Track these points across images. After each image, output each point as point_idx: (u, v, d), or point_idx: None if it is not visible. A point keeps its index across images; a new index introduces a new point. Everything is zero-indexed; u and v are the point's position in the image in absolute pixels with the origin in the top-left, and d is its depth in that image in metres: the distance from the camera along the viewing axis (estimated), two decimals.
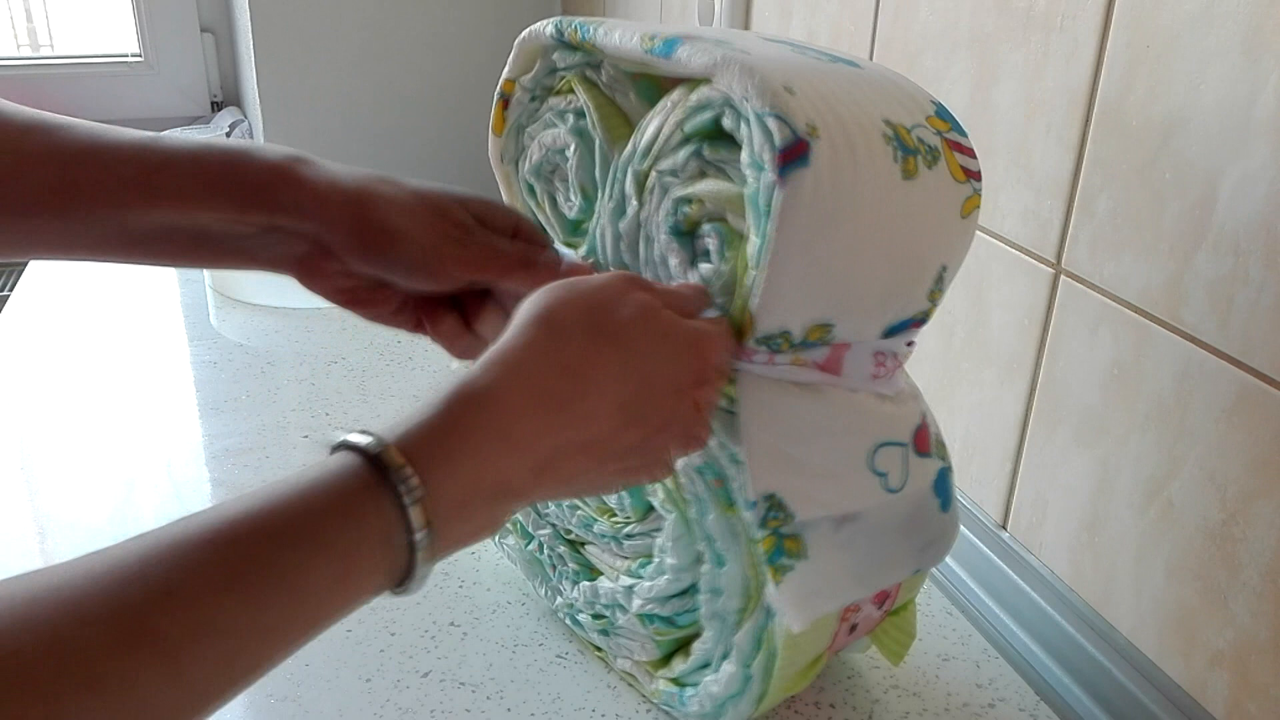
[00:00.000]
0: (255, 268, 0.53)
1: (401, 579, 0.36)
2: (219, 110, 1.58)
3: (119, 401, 0.93)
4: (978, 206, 0.51)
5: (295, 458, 0.85)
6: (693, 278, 0.50)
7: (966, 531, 0.72)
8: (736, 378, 0.49)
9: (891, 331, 0.51)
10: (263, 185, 0.49)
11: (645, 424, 0.43)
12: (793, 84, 0.46)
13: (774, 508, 0.49)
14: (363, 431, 0.36)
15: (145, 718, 0.29)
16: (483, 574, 0.71)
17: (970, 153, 0.51)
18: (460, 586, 0.70)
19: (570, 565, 0.64)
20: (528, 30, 0.58)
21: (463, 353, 0.56)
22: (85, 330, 1.06)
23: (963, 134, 0.51)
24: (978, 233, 0.69)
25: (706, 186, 0.49)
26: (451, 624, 0.67)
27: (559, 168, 0.59)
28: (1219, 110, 0.51)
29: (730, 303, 0.49)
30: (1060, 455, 0.64)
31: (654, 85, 0.54)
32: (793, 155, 0.44)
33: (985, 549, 0.70)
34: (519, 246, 0.53)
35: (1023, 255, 0.66)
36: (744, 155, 0.46)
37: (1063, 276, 0.63)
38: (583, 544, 0.64)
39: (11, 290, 1.18)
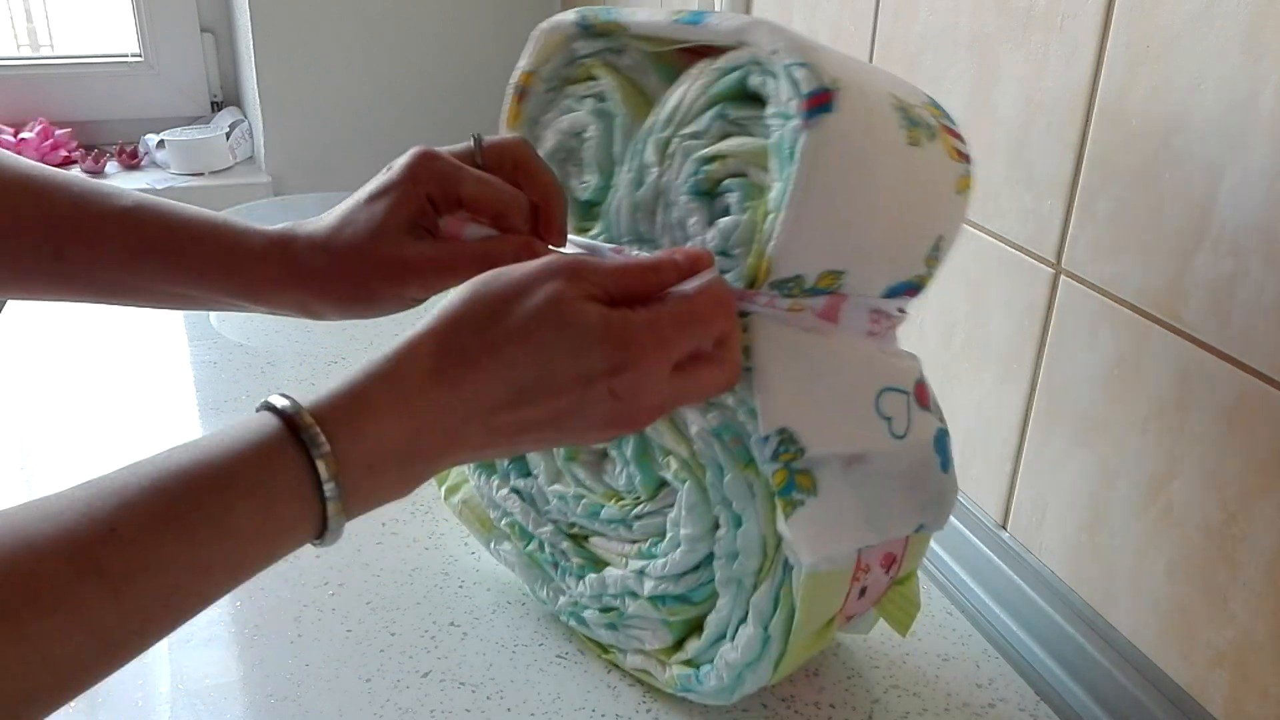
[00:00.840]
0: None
1: (320, 531, 0.40)
2: (219, 110, 1.58)
3: (119, 402, 0.93)
4: (969, 187, 0.54)
5: None
6: (710, 235, 0.52)
7: (967, 531, 0.72)
8: (748, 323, 0.51)
9: (891, 292, 0.53)
10: (192, 240, 0.54)
11: (546, 406, 0.44)
12: (817, 47, 0.49)
13: (785, 441, 0.50)
14: (283, 395, 0.41)
15: (95, 639, 0.33)
16: (483, 574, 0.71)
17: (960, 138, 0.54)
18: (460, 586, 0.70)
19: (574, 560, 0.63)
20: (548, 22, 0.60)
21: None
22: (85, 330, 1.06)
23: (953, 123, 0.54)
24: (977, 232, 0.69)
25: (730, 144, 0.51)
26: (451, 624, 0.67)
27: (574, 152, 0.61)
28: (1219, 110, 0.51)
29: (746, 253, 0.51)
30: (1060, 455, 0.64)
31: (673, 68, 0.57)
32: (818, 102, 0.47)
33: (985, 549, 0.70)
34: (441, 250, 0.54)
35: (1022, 255, 0.66)
36: (769, 108, 0.49)
37: (1063, 276, 0.63)
38: (586, 537, 0.64)
39: None
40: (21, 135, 1.43)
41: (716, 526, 0.56)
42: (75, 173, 0.55)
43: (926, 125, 0.52)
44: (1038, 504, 0.67)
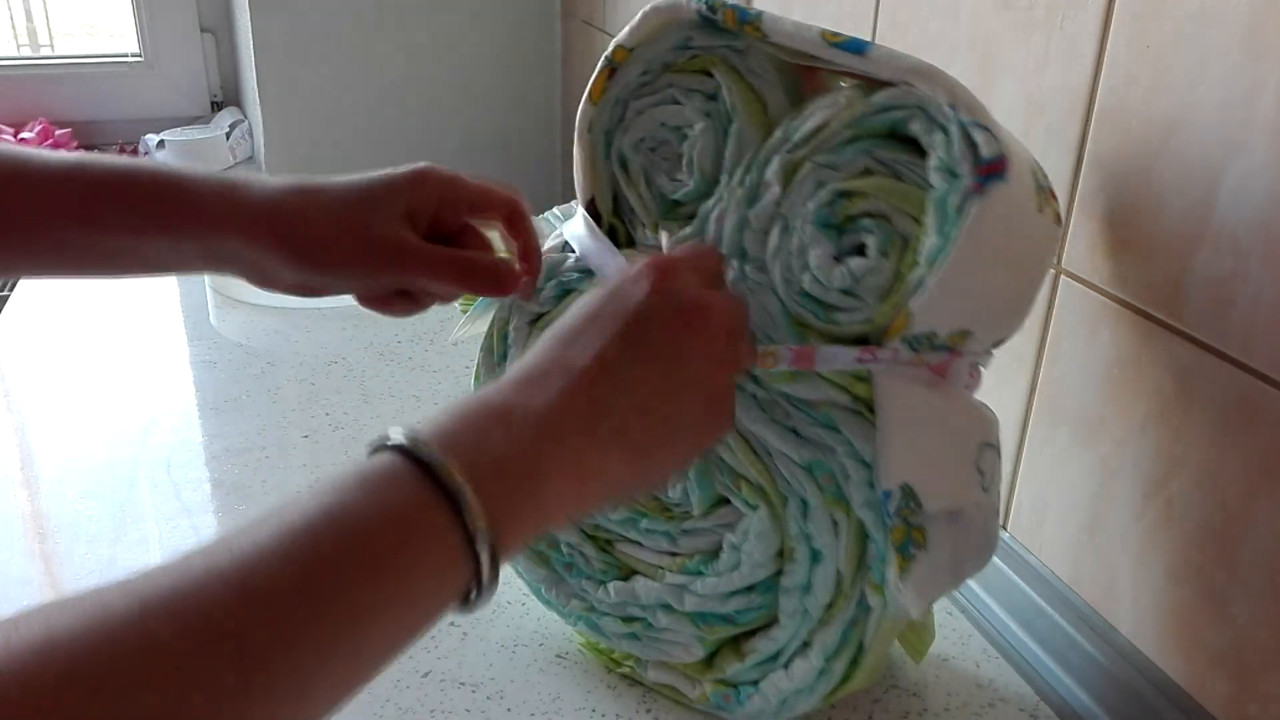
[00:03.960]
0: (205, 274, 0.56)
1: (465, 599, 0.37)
2: (219, 110, 1.58)
3: (119, 401, 0.93)
4: (1056, 250, 0.57)
5: (295, 458, 0.85)
6: (838, 272, 0.51)
7: None
8: (870, 375, 0.51)
9: (993, 347, 0.54)
10: (192, 210, 0.51)
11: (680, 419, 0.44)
12: (986, 109, 0.48)
13: (907, 497, 0.50)
14: (430, 455, 0.35)
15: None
16: None
17: (1057, 201, 0.54)
18: None
19: (596, 565, 0.62)
20: (665, 1, 0.55)
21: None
22: (85, 330, 1.06)
23: (1051, 185, 0.54)
24: None
25: (874, 182, 0.50)
26: (451, 624, 0.67)
27: (667, 144, 0.58)
28: (1219, 110, 0.51)
29: (877, 300, 0.50)
30: (1060, 455, 0.64)
31: (795, 82, 0.56)
32: (995, 169, 0.46)
33: None
34: (448, 255, 0.55)
35: None
36: (933, 160, 0.48)
37: (1063, 276, 0.63)
38: (610, 541, 0.62)
39: (11, 290, 1.18)
40: (21, 135, 1.43)
41: (780, 554, 0.55)
42: (14, 145, 0.53)
43: (1044, 188, 0.52)
44: (1038, 504, 0.67)
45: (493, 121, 1.47)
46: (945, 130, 0.48)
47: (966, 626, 0.69)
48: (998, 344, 0.54)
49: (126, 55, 1.52)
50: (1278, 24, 0.48)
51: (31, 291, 1.13)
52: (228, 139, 1.46)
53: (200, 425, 0.90)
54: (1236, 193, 0.50)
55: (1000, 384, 0.69)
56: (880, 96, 0.50)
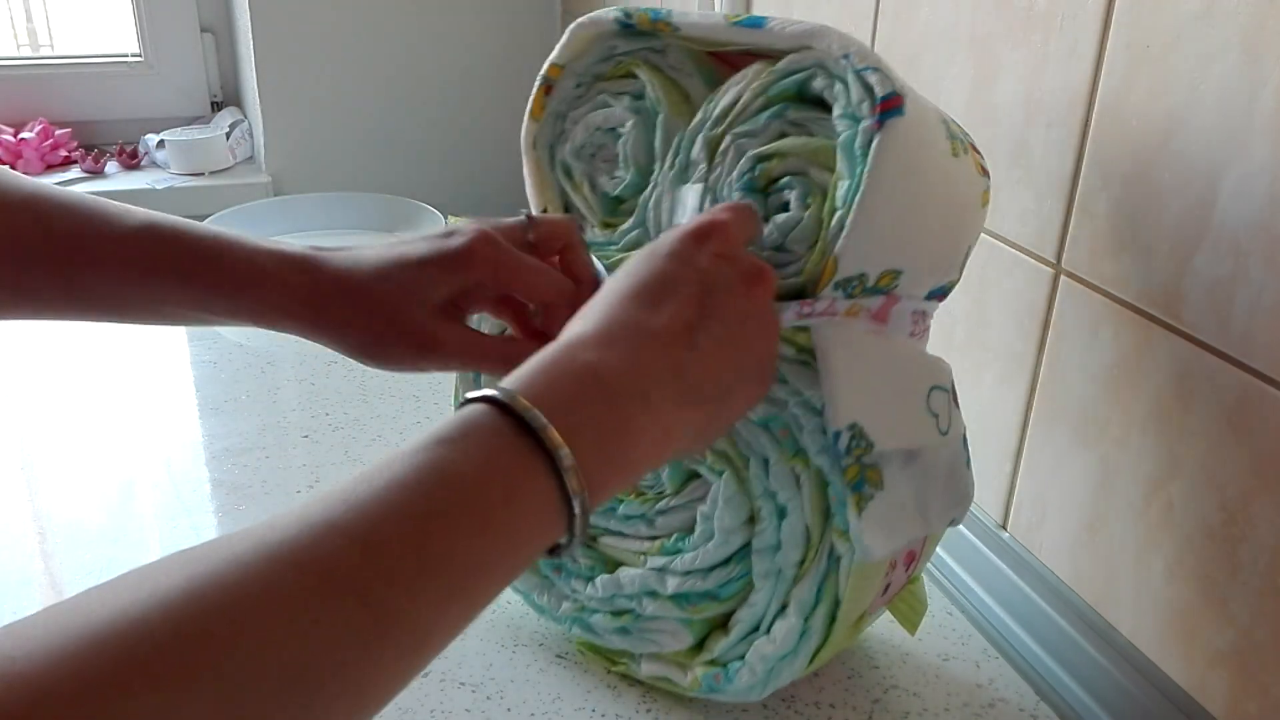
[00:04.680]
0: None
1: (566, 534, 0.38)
2: (219, 110, 1.58)
3: (119, 401, 0.93)
4: (988, 203, 0.57)
5: (295, 458, 0.85)
6: (768, 230, 0.53)
7: (966, 531, 0.72)
8: (811, 325, 0.52)
9: (930, 295, 0.55)
10: (202, 260, 0.52)
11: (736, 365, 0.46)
12: (879, 56, 0.51)
13: (857, 437, 0.52)
14: (531, 416, 0.37)
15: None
16: None
17: (981, 154, 0.56)
18: None
19: (581, 562, 0.62)
20: (586, 17, 0.60)
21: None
22: (85, 330, 1.06)
23: (974, 142, 0.56)
24: None
25: (789, 143, 0.53)
26: None
27: (605, 147, 0.62)
28: (1219, 110, 0.51)
29: (806, 252, 0.52)
30: (1060, 455, 0.64)
31: (713, 71, 0.59)
32: (891, 105, 0.49)
33: (985, 549, 0.70)
34: (469, 338, 0.54)
35: (1023, 255, 0.66)
36: (836, 110, 0.51)
37: (1063, 276, 0.63)
38: (594, 537, 0.63)
39: None
40: (21, 135, 1.43)
41: (752, 520, 0.56)
42: (84, 192, 0.54)
43: (961, 139, 0.54)
44: (1038, 504, 0.67)
45: (492, 121, 1.47)
46: (844, 80, 0.51)
47: (966, 626, 0.69)
48: (938, 294, 0.56)
49: (126, 55, 1.52)
50: (1278, 24, 0.48)
51: None
52: (228, 139, 1.46)
53: (200, 425, 0.90)
54: (1236, 193, 0.50)
55: (1000, 384, 0.69)
56: (782, 63, 0.54)
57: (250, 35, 1.36)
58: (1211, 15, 0.51)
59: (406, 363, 0.54)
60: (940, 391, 0.55)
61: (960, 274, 0.57)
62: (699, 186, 0.57)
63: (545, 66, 0.62)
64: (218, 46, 1.55)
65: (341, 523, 0.32)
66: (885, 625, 0.69)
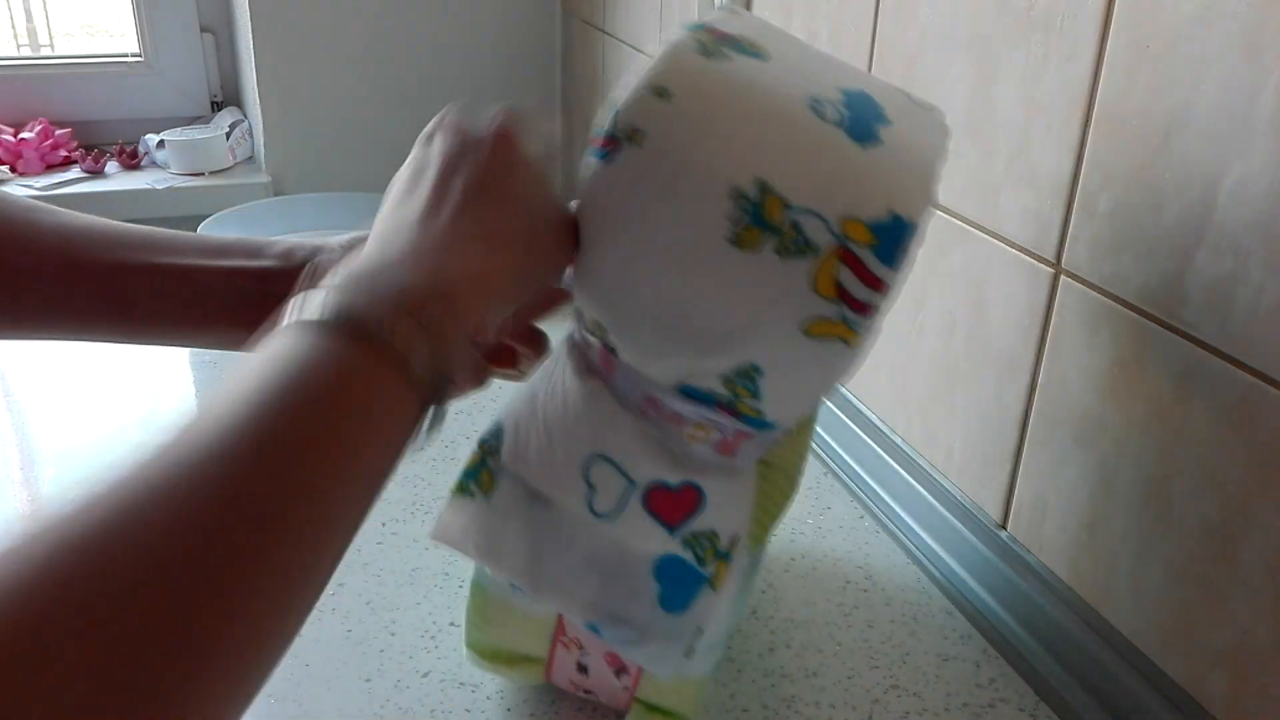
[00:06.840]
0: None
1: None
2: (219, 110, 1.58)
3: (119, 401, 0.93)
4: (840, 338, 0.45)
5: None
6: None
7: (966, 531, 0.72)
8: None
9: (687, 393, 0.49)
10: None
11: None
12: (679, 95, 0.45)
13: (496, 434, 0.53)
14: (343, 316, 0.37)
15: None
16: None
17: (874, 283, 0.44)
18: (460, 586, 0.70)
19: None
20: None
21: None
22: None
23: (887, 262, 0.44)
24: (977, 232, 0.69)
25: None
26: (451, 624, 0.67)
27: None
28: (1219, 110, 0.51)
29: None
30: (1060, 455, 0.64)
31: None
32: (605, 145, 0.46)
33: (985, 549, 0.70)
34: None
35: (1023, 255, 0.66)
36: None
37: (1063, 276, 0.63)
38: None
39: None
40: (21, 135, 1.42)
41: None
42: (107, 220, 0.54)
43: (798, 239, 0.44)
44: (1038, 504, 0.67)
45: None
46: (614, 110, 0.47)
47: (966, 626, 0.69)
48: (700, 397, 0.49)
49: (126, 55, 1.52)
50: (1278, 24, 0.48)
51: None
52: (228, 139, 1.46)
53: None
54: (1236, 193, 0.50)
55: (1000, 384, 0.69)
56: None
57: (250, 35, 1.36)
58: (1211, 15, 0.51)
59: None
60: (610, 469, 0.50)
61: (733, 392, 0.48)
62: None
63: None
64: (218, 46, 1.55)
65: (199, 476, 0.34)
66: (886, 625, 0.69)
